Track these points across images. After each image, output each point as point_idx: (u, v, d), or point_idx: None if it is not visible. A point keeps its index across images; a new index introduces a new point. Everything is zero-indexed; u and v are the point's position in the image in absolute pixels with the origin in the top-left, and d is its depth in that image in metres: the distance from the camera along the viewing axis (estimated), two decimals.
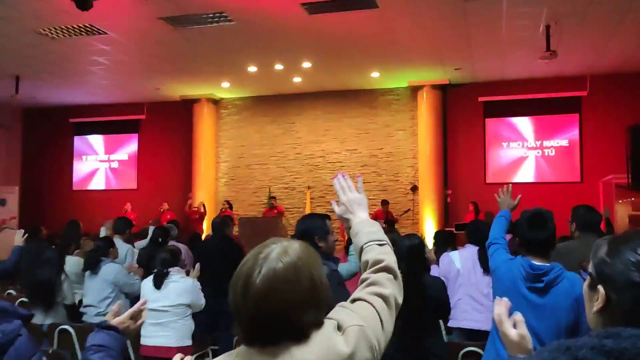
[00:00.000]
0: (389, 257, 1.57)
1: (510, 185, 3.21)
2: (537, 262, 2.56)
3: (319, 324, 1.27)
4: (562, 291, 2.51)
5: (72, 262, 5.27)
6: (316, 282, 1.27)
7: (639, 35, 8.64)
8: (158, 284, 4.08)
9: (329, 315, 1.34)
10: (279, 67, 11.34)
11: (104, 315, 4.42)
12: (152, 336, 4.03)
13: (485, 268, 4.02)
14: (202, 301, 4.23)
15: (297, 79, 12.32)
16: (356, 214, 1.70)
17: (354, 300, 1.44)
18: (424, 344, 3.16)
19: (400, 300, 1.51)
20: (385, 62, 11.08)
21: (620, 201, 11.67)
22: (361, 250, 1.59)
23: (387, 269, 1.53)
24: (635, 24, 8.56)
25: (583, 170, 11.98)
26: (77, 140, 15.53)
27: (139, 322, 1.84)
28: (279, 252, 1.27)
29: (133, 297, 4.86)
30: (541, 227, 2.60)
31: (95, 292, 4.69)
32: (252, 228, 10.85)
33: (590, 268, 1.22)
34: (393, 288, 1.49)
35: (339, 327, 1.29)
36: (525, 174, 12.36)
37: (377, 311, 1.40)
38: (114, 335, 1.74)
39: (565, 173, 12.14)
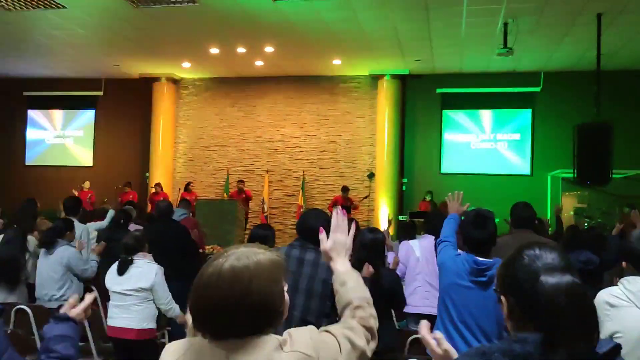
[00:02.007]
0: (376, 322, 1.67)
1: (462, 193, 3.39)
2: (480, 258, 2.76)
3: (256, 332, 1.37)
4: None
5: (33, 241, 5.22)
6: (249, 294, 1.35)
7: (591, 36, 9.00)
8: (121, 271, 4.10)
9: (290, 330, 1.44)
10: (241, 50, 11.31)
11: (58, 299, 4.47)
12: (115, 317, 4.10)
13: None
14: (166, 297, 4.19)
15: (259, 63, 12.31)
16: (338, 260, 1.75)
17: (324, 331, 1.51)
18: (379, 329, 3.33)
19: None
20: (347, 50, 11.19)
21: (567, 194, 12.21)
22: (349, 303, 1.65)
23: (371, 332, 1.63)
24: (588, 25, 8.91)
25: (533, 163, 12.45)
26: (31, 114, 15.12)
27: (88, 313, 1.97)
28: (236, 257, 1.39)
29: (87, 279, 4.89)
30: (482, 227, 2.80)
31: (48, 274, 4.67)
32: (209, 210, 10.87)
33: (494, 284, 1.44)
34: (366, 346, 1.56)
35: (282, 346, 1.37)
36: (478, 166, 12.74)
37: (340, 351, 1.45)
38: (73, 326, 1.85)
39: (516, 166, 12.58)
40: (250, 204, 12.79)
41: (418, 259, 4.31)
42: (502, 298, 1.38)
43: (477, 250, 2.78)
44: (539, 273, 1.27)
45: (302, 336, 1.42)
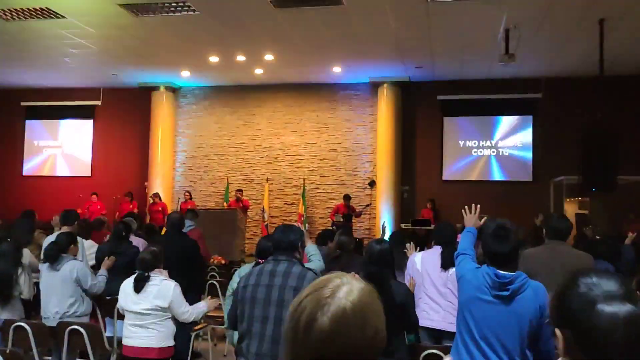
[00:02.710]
0: None
1: (478, 206, 3.32)
2: (502, 272, 2.66)
3: None
4: (526, 299, 2.60)
5: (28, 255, 5.09)
6: (379, 332, 1.19)
7: (592, 42, 8.96)
8: (138, 288, 3.94)
9: None
10: (240, 58, 11.25)
11: (70, 315, 4.34)
12: (133, 337, 3.96)
13: (444, 265, 4.15)
14: (183, 309, 4.07)
15: (258, 71, 12.25)
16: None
17: None
18: (390, 345, 3.24)
19: None
20: (347, 58, 11.14)
21: (569, 200, 12.14)
22: None
23: None
24: (588, 31, 8.86)
25: (535, 170, 12.38)
26: (29, 124, 15.03)
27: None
28: (347, 292, 1.18)
29: (95, 295, 4.76)
30: (504, 240, 2.69)
31: (56, 290, 4.52)
32: (210, 219, 10.76)
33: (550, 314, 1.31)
34: None
35: None
36: (480, 173, 12.67)
37: None
38: None
39: (518, 172, 12.50)
40: (250, 213, 12.70)
41: (419, 272, 4.22)
42: (557, 332, 1.25)
43: (497, 264, 2.68)
44: (596, 302, 1.16)
45: None
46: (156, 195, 12.72)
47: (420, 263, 4.25)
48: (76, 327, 4.07)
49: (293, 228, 3.17)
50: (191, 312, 4.14)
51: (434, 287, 4.17)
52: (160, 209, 12.58)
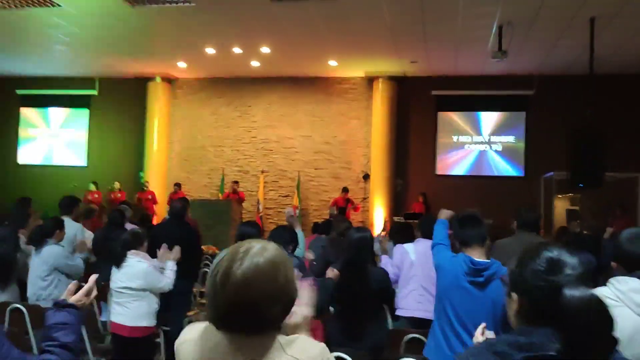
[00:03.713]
0: None
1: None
2: (477, 259, 2.80)
3: (277, 324, 1.39)
4: (500, 285, 2.72)
5: (24, 239, 5.22)
6: (289, 281, 1.39)
7: (584, 40, 9.08)
8: (117, 264, 4.21)
9: (300, 335, 1.44)
10: (237, 50, 11.32)
11: (45, 298, 4.50)
12: (114, 314, 4.24)
13: None
14: (161, 284, 4.30)
15: (255, 63, 12.33)
16: None
17: None
18: (365, 328, 3.37)
19: None
20: (343, 51, 11.23)
21: (560, 196, 12.29)
22: None
23: None
24: (581, 29, 8.98)
25: (527, 166, 12.52)
26: (24, 113, 15.07)
27: (92, 296, 1.94)
28: (259, 249, 1.38)
29: (77, 276, 4.90)
30: (476, 225, 2.89)
31: (36, 273, 4.71)
32: (205, 210, 10.87)
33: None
34: None
35: (285, 347, 1.37)
36: (473, 168, 12.80)
37: None
38: (74, 312, 1.85)
39: (509, 168, 12.65)
40: (245, 204, 12.81)
41: (412, 263, 4.31)
42: (513, 295, 1.40)
43: (468, 245, 2.85)
44: (559, 283, 1.29)
45: (312, 347, 1.40)
46: (145, 183, 12.88)
47: (414, 254, 4.34)
48: (18, 306, 4.19)
49: (286, 230, 3.36)
50: (166, 279, 4.34)
51: (429, 279, 4.24)
52: (149, 197, 12.72)
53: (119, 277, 4.19)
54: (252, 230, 3.99)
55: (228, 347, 1.36)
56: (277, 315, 1.38)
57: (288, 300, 1.40)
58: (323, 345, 1.45)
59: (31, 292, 4.69)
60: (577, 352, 1.22)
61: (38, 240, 4.74)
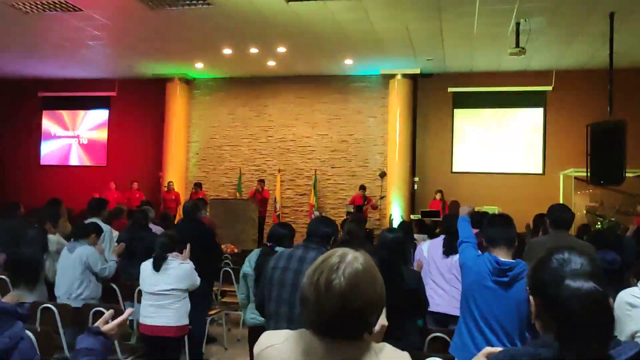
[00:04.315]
0: None
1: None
2: (502, 259, 2.82)
3: (371, 329, 1.43)
4: (525, 286, 2.75)
5: (55, 241, 5.33)
6: (383, 289, 1.43)
7: (602, 34, 9.01)
8: (157, 267, 4.26)
9: (387, 344, 1.49)
10: (254, 50, 11.40)
11: (76, 297, 4.60)
12: (152, 317, 4.27)
13: (447, 252, 4.35)
14: (198, 281, 4.45)
15: (271, 63, 12.39)
16: None
17: None
18: (404, 328, 3.40)
19: None
20: (359, 50, 11.25)
21: (579, 192, 12.20)
22: None
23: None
24: (599, 24, 8.91)
25: (545, 162, 12.45)
26: (46, 115, 15.31)
27: (123, 330, 2.00)
28: (353, 256, 1.42)
29: (105, 279, 5.01)
30: (506, 226, 2.89)
31: (68, 273, 4.79)
32: (224, 209, 10.97)
33: (525, 284, 1.51)
34: None
35: (378, 353, 1.42)
36: (490, 164, 12.75)
37: None
38: (102, 341, 1.89)
39: (527, 165, 12.58)
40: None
41: (425, 258, 4.43)
42: (531, 298, 1.44)
43: (498, 246, 2.86)
44: (565, 277, 1.32)
45: (401, 356, 1.47)
46: (170, 183, 12.99)
47: (426, 250, 4.43)
48: (100, 309, 4.29)
49: (329, 221, 3.30)
50: (196, 275, 4.48)
51: (440, 273, 4.33)
52: (173, 197, 12.83)
53: (161, 280, 4.24)
54: (285, 231, 4.09)
55: (323, 351, 1.39)
56: (374, 321, 1.42)
57: (382, 306, 1.44)
58: (407, 354, 1.50)
59: (62, 291, 4.77)
60: (574, 344, 1.24)
61: (81, 236, 4.85)
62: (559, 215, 3.98)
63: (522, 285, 2.75)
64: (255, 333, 3.93)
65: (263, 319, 3.86)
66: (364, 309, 1.36)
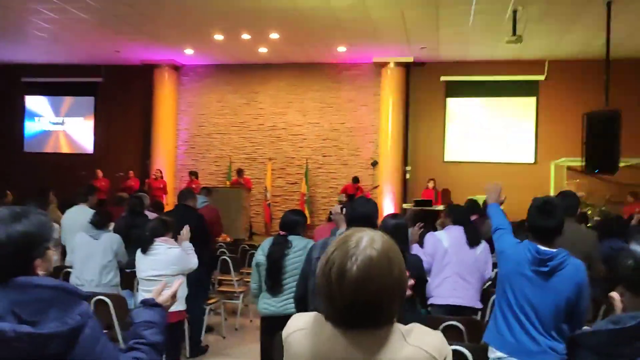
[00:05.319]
0: None
1: (500, 183, 3.39)
2: (543, 247, 2.73)
3: (393, 317, 1.33)
4: (565, 276, 2.66)
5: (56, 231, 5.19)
6: (402, 272, 1.33)
7: (597, 24, 8.98)
8: (144, 250, 4.20)
9: (416, 324, 1.39)
10: (245, 36, 11.21)
11: (106, 284, 4.49)
12: None
13: (472, 243, 4.24)
14: (192, 264, 4.36)
15: (262, 49, 12.21)
16: None
17: None
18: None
19: None
20: (353, 37, 11.11)
21: (570, 182, 12.23)
22: None
23: None
24: (594, 13, 8.89)
25: (537, 152, 12.46)
26: (29, 100, 14.97)
27: (175, 299, 2.00)
28: (368, 241, 1.31)
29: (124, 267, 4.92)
30: (550, 216, 2.75)
31: (94, 260, 4.68)
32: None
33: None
34: None
35: (406, 337, 1.32)
36: (482, 153, 12.73)
37: None
38: (160, 312, 1.88)
39: (519, 154, 12.58)
40: (252, 192, 12.73)
41: (446, 250, 4.24)
42: (612, 294, 1.49)
43: (541, 239, 2.74)
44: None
45: (434, 336, 1.36)
46: (158, 171, 12.77)
47: (447, 241, 4.28)
48: (102, 297, 4.17)
49: (370, 202, 3.20)
50: (193, 258, 4.41)
51: (464, 265, 4.20)
52: (161, 186, 12.64)
53: (149, 266, 4.15)
54: (297, 217, 4.00)
55: (345, 340, 1.30)
56: (396, 309, 1.32)
57: (403, 291, 1.34)
58: (441, 334, 1.40)
59: (89, 277, 4.66)
60: None
61: (104, 224, 4.82)
62: (567, 200, 3.92)
63: (563, 276, 2.66)
64: (267, 323, 3.83)
65: (274, 308, 3.78)
66: (378, 299, 1.27)
